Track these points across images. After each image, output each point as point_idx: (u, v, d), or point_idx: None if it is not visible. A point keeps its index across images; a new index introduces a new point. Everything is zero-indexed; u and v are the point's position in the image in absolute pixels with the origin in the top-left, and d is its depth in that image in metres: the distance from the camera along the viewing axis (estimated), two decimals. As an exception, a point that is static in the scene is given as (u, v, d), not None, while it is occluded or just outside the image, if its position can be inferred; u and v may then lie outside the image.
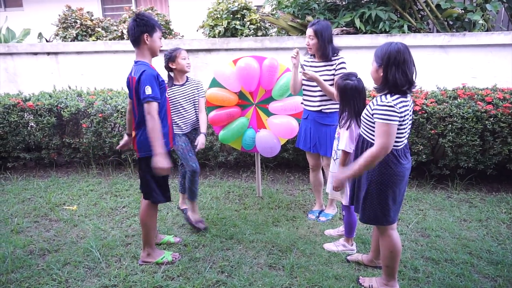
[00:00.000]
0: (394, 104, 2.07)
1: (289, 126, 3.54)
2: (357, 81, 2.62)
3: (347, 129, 2.62)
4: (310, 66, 3.25)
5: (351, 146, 2.62)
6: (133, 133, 2.67)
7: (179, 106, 3.26)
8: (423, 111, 3.95)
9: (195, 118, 3.37)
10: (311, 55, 3.30)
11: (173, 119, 3.23)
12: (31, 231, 3.37)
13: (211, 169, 4.85)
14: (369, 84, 4.65)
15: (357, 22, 4.84)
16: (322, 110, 3.21)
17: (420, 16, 5.25)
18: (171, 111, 3.18)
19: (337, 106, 3.13)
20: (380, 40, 4.70)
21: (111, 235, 3.25)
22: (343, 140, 2.63)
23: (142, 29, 2.51)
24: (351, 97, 2.60)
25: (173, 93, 3.25)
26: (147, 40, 2.54)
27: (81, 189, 4.29)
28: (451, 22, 5.16)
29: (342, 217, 3.21)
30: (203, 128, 3.31)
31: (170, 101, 3.17)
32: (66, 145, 4.83)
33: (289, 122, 3.54)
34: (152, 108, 2.49)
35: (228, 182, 4.48)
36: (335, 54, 3.17)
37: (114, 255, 2.96)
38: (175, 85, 3.26)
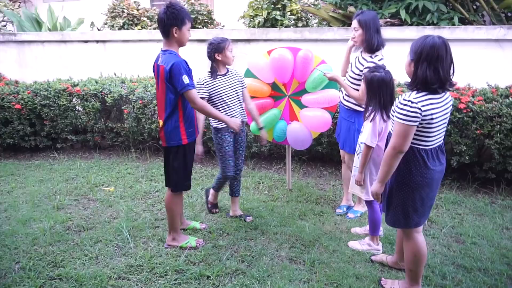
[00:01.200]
0: (417, 102, 1.96)
1: (322, 119, 3.47)
2: (385, 73, 2.52)
3: (370, 121, 2.53)
4: (356, 57, 3.14)
5: (374, 139, 2.53)
6: (160, 122, 2.73)
7: (224, 97, 3.09)
8: (468, 110, 3.69)
9: (240, 110, 3.19)
10: (361, 50, 3.13)
11: (220, 111, 3.05)
12: (71, 209, 3.60)
13: (244, 159, 4.88)
14: (403, 78, 4.44)
15: (403, 14, 4.61)
16: (344, 104, 3.18)
17: (474, 7, 4.88)
18: (215, 103, 3.08)
19: (357, 105, 3.05)
20: (427, 32, 4.42)
21: (142, 217, 3.39)
22: (365, 133, 2.55)
23: (171, 22, 2.55)
24: (378, 89, 2.51)
25: (217, 84, 3.08)
26: (175, 33, 2.58)
27: (120, 171, 4.50)
28: (509, 14, 4.75)
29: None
30: (259, 122, 3.31)
31: (213, 93, 3.07)
32: (109, 129, 5.08)
33: (322, 115, 3.47)
34: (194, 95, 2.59)
35: (260, 173, 4.49)
36: (381, 48, 3.01)
37: (142, 236, 3.09)
38: (210, 74, 3.11)
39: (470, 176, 4.01)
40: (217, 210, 3.50)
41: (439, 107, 2.00)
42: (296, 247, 2.93)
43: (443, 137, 2.16)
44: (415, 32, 4.49)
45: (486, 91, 3.90)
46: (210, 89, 3.06)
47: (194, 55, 4.35)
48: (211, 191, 3.49)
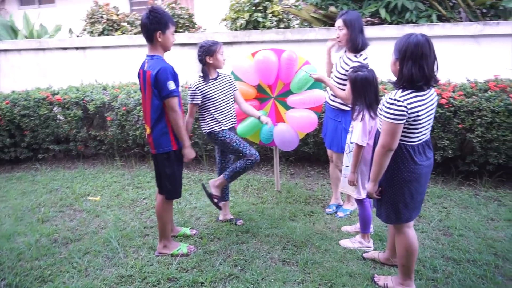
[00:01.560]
0: (403, 100, 1.99)
1: (308, 119, 3.49)
2: (368, 72, 2.55)
3: (360, 121, 2.55)
4: (340, 57, 3.16)
5: (364, 139, 2.55)
6: (148, 129, 2.70)
7: (216, 101, 3.04)
8: (450, 105, 3.77)
9: (232, 113, 3.16)
10: (345, 50, 3.16)
11: (213, 115, 3.05)
12: (56, 221, 3.51)
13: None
14: (393, 76, 4.50)
15: (383, 12, 4.68)
16: (330, 104, 3.21)
17: (450, 4, 5.00)
18: (207, 108, 3.04)
19: (344, 104, 3.08)
20: (406, 30, 4.52)
21: (131, 226, 3.34)
22: (356, 132, 2.57)
23: (155, 26, 2.52)
24: (362, 88, 2.55)
25: (210, 89, 3.03)
26: (159, 37, 2.55)
27: (105, 180, 4.42)
28: (484, 10, 4.88)
29: (360, 213, 3.14)
30: (256, 114, 3.20)
31: (206, 98, 3.01)
32: (92, 137, 4.98)
33: (308, 116, 3.48)
34: (175, 103, 2.56)
35: (248, 175, 4.48)
36: (365, 47, 3.04)
37: (132, 245, 3.04)
38: (202, 79, 3.04)
39: (454, 170, 4.09)
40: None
41: (425, 104, 2.04)
42: (288, 248, 2.93)
43: (429, 133, 2.20)
44: (395, 31, 4.57)
45: (465, 86, 3.99)
46: (203, 94, 3.01)
47: (176, 60, 4.31)
48: (219, 180, 3.08)
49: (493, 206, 3.53)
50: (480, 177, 4.01)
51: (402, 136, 2.09)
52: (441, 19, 4.82)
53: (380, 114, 2.11)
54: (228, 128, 3.10)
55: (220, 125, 3.07)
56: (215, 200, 3.09)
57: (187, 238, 3.14)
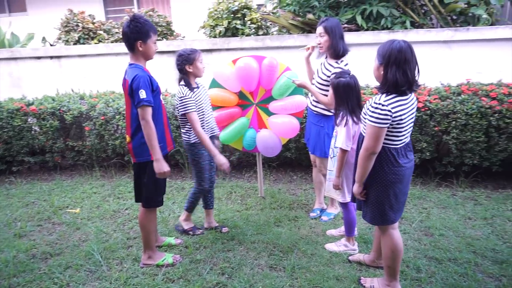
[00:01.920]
0: (387, 104, 2.04)
1: (290, 125, 3.52)
2: (350, 78, 2.60)
3: (344, 126, 2.60)
4: (321, 63, 3.20)
5: (348, 143, 2.60)
6: (127, 137, 2.66)
7: (204, 111, 3.02)
8: (426, 108, 3.89)
9: (214, 122, 3.21)
10: (326, 57, 3.22)
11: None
12: (34, 235, 3.39)
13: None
14: (370, 81, 4.60)
15: (359, 19, 4.79)
16: (313, 110, 3.23)
17: (423, 11, 5.18)
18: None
19: (326, 110, 3.13)
20: (382, 36, 4.65)
21: (113, 238, 3.26)
22: (340, 137, 2.61)
23: (135, 36, 2.49)
24: (344, 94, 2.59)
25: (200, 97, 2.99)
26: (140, 47, 2.52)
27: (85, 191, 4.31)
28: (454, 17, 5.08)
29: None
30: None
31: (198, 106, 2.97)
32: (70, 148, 4.86)
33: (290, 121, 3.52)
34: (147, 113, 2.49)
35: (231, 182, 4.47)
36: (346, 53, 3.11)
37: (116, 258, 2.97)
38: (194, 88, 2.99)
39: (432, 171, 4.21)
40: (201, 230, 3.33)
41: (407, 108, 2.10)
42: (275, 254, 2.94)
43: (409, 135, 2.26)
44: (371, 37, 4.69)
45: (440, 90, 4.13)
46: (196, 102, 2.95)
47: (155, 68, 4.28)
48: (183, 216, 3.33)
49: (470, 206, 3.64)
50: (457, 178, 4.14)
51: (386, 139, 2.14)
52: (414, 25, 4.98)
53: (364, 118, 2.15)
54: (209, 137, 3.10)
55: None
56: (191, 232, 3.30)
57: (172, 248, 3.10)
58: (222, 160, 2.91)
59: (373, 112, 2.06)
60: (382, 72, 2.09)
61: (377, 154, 2.15)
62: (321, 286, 2.53)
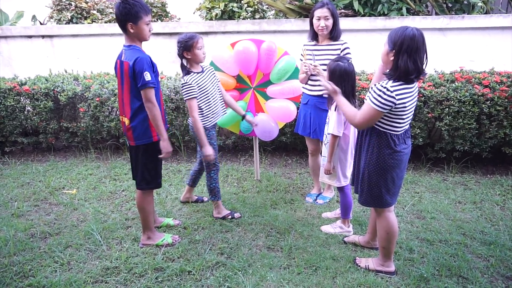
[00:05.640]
0: (393, 91, 2.05)
1: (287, 110, 3.55)
2: (348, 64, 2.62)
3: (335, 111, 2.64)
4: (314, 50, 3.21)
5: (340, 129, 2.64)
6: (126, 120, 2.64)
7: (208, 95, 3.00)
8: (421, 95, 3.96)
9: (222, 105, 3.17)
10: (312, 39, 3.25)
11: (201, 110, 2.99)
12: (32, 215, 3.40)
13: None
14: (366, 67, 4.63)
15: (356, 5, 4.80)
16: (323, 95, 3.21)
17: (419, -2, 5.20)
18: (200, 102, 2.98)
19: None
20: (379, 23, 4.67)
21: (111, 218, 3.29)
22: (331, 123, 2.65)
23: (125, 17, 2.44)
24: (340, 78, 2.60)
25: (198, 81, 2.95)
26: (131, 29, 2.48)
27: (80, 173, 4.31)
28: (449, 5, 5.12)
29: (339, 200, 3.25)
30: (241, 111, 3.31)
31: (202, 90, 2.96)
32: (64, 129, 4.83)
33: (287, 106, 3.55)
34: (152, 95, 2.50)
35: (227, 165, 4.51)
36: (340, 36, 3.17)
37: (115, 237, 3.00)
38: (194, 73, 2.97)
39: (424, 157, 4.31)
40: (237, 214, 3.29)
41: (411, 95, 2.12)
42: (272, 235, 3.01)
43: (410, 122, 2.31)
44: (368, 22, 4.71)
45: (434, 77, 4.19)
46: (199, 86, 2.94)
47: (151, 49, 4.25)
48: (215, 207, 3.28)
49: (460, 190, 3.76)
50: (448, 164, 4.25)
51: (388, 125, 2.18)
52: (410, 12, 5.01)
53: (367, 97, 2.17)
54: (214, 124, 3.13)
55: (207, 120, 3.05)
56: (229, 217, 3.26)
57: (170, 228, 3.14)
58: (209, 151, 2.95)
59: (377, 94, 2.08)
60: (391, 58, 2.09)
61: (378, 138, 2.20)
62: (318, 265, 2.61)
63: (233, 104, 3.30)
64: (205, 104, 3.01)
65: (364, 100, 2.23)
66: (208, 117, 3.05)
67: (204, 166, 3.20)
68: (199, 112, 2.98)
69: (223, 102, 3.21)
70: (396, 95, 2.06)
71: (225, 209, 3.32)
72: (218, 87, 3.15)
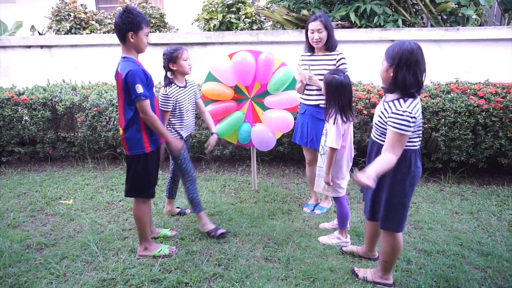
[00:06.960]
0: (411, 110, 2.01)
1: (285, 120, 3.57)
2: (344, 77, 2.65)
3: (334, 124, 2.66)
4: (310, 60, 3.25)
5: (339, 142, 2.66)
6: (121, 130, 2.66)
7: (183, 110, 3.06)
8: (417, 106, 3.99)
9: (193, 122, 3.25)
10: (308, 51, 3.30)
11: (173, 124, 3.08)
12: (28, 226, 3.38)
13: (207, 162, 4.87)
14: (363, 78, 4.68)
15: (352, 16, 4.86)
16: (320, 105, 3.23)
17: (414, 10, 5.28)
18: (173, 115, 3.05)
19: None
20: (375, 34, 4.73)
21: (108, 229, 3.27)
22: (330, 136, 2.67)
23: (127, 27, 2.48)
24: (336, 91, 2.63)
25: (176, 96, 3.01)
26: (131, 38, 2.51)
27: (77, 183, 4.30)
28: (445, 17, 5.20)
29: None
30: (213, 128, 3.29)
31: (178, 105, 3.03)
32: (61, 139, 4.82)
33: (284, 116, 3.57)
34: (146, 106, 2.52)
35: (224, 175, 4.51)
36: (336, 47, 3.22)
37: (112, 248, 2.98)
38: (177, 85, 3.03)
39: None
40: (220, 231, 3.14)
41: (420, 109, 2.11)
42: (270, 246, 3.00)
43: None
44: (364, 34, 4.76)
45: (430, 88, 4.24)
46: (176, 101, 3.01)
47: (149, 60, 4.27)
48: (200, 220, 3.16)
49: (456, 201, 3.77)
50: (444, 174, 4.27)
51: (410, 142, 2.14)
52: (406, 23, 5.08)
53: (388, 125, 2.09)
54: (185, 137, 3.17)
55: (176, 133, 3.10)
56: (213, 234, 3.11)
57: (167, 239, 3.13)
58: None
59: (400, 120, 2.01)
60: (391, 74, 2.07)
61: (402, 157, 2.12)
62: (316, 277, 2.60)
63: (209, 122, 3.30)
64: (178, 119, 3.08)
65: (376, 131, 2.22)
66: (180, 131, 3.11)
67: (180, 176, 3.18)
68: (170, 125, 3.07)
69: (194, 120, 3.26)
70: (415, 113, 2.03)
71: (209, 222, 3.17)
72: (193, 104, 3.18)
